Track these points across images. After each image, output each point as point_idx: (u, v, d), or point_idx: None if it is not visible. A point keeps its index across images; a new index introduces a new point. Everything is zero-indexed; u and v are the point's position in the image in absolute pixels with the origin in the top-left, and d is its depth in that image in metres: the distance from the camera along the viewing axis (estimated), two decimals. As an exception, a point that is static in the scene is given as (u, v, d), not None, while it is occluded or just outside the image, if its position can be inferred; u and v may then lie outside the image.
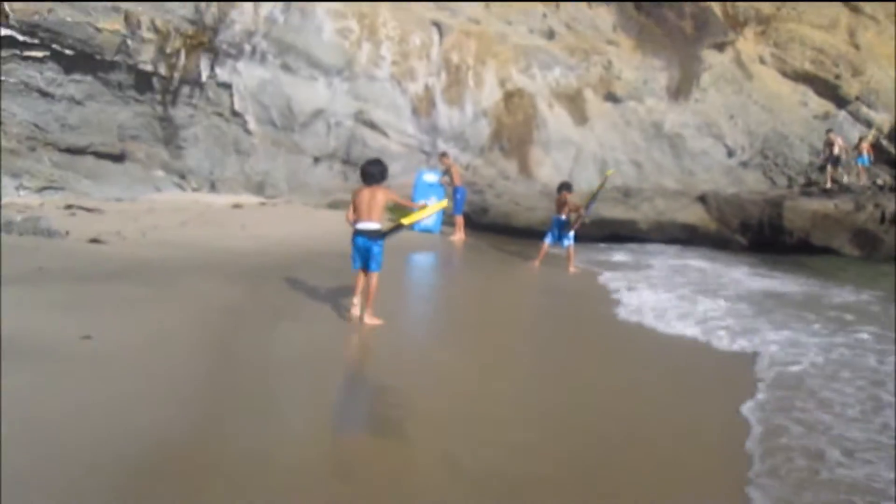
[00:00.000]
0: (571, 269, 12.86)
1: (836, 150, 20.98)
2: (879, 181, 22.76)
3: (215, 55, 17.33)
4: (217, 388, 5.45)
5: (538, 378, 6.49)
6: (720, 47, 22.46)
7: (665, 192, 19.05)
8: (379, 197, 7.04)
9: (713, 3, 22.93)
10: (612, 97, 20.56)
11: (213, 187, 17.40)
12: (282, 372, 5.95)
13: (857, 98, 25.49)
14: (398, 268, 11.39)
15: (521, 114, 19.45)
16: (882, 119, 25.93)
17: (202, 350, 6.32)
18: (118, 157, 16.58)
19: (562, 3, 20.12)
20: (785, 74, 24.81)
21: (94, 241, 10.62)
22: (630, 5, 21.32)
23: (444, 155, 15.82)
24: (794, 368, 6.81)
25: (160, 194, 16.31)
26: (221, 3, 16.97)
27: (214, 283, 8.91)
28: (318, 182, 18.27)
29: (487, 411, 5.38)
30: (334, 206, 17.01)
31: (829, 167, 20.98)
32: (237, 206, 15.59)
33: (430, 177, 15.67)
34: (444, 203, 8.97)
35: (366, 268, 7.08)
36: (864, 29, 26.01)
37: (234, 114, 17.72)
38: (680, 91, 21.26)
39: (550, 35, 20.06)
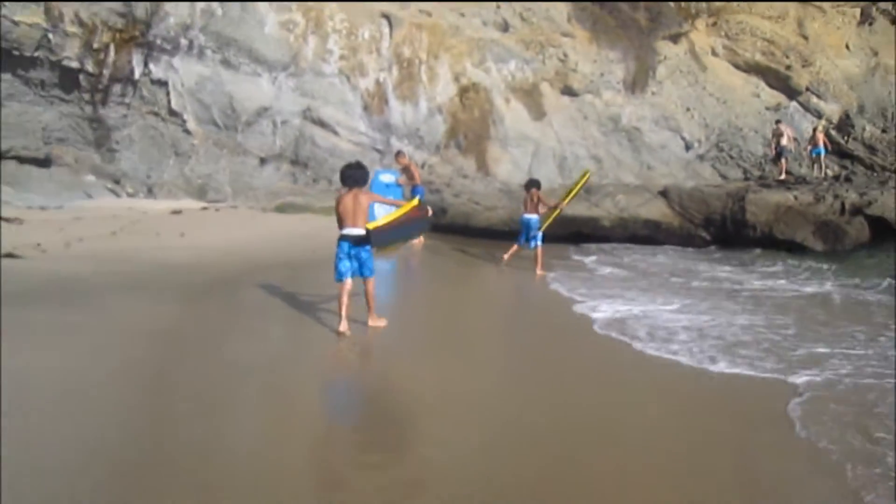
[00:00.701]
0: (539, 272, 11.95)
1: (783, 141, 20.42)
2: (829, 171, 22.59)
3: (149, 50, 15.94)
4: (150, 443, 4.30)
5: (533, 412, 5.43)
6: (674, 39, 21.90)
7: (626, 187, 18.33)
8: (362, 201, 6.78)
9: (665, -5, 22.39)
10: (569, 91, 19.75)
11: (150, 192, 15.99)
12: (232, 413, 4.83)
13: (808, 89, 25.34)
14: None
15: (477, 109, 18.50)
16: (832, 109, 25.87)
17: (130, 391, 5.17)
18: (43, 162, 15.08)
19: (515, -6, 19.18)
20: (737, 66, 24.45)
21: (9, 255, 9.25)
22: (584, -5, 20.54)
23: (400, 154, 14.74)
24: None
25: (91, 201, 14.85)
26: (153, -5, 15.60)
27: (147, 302, 7.70)
28: (265, 184, 17.01)
29: (481, 459, 4.35)
30: (282, 209, 15.83)
31: (782, 159, 20.47)
32: (176, 212, 14.25)
33: (387, 177, 14.58)
34: (416, 200, 7.99)
35: (359, 275, 6.86)
36: (811, 19, 25.86)
37: (172, 113, 16.35)
38: (636, 84, 20.59)
39: (505, 27, 19.15)
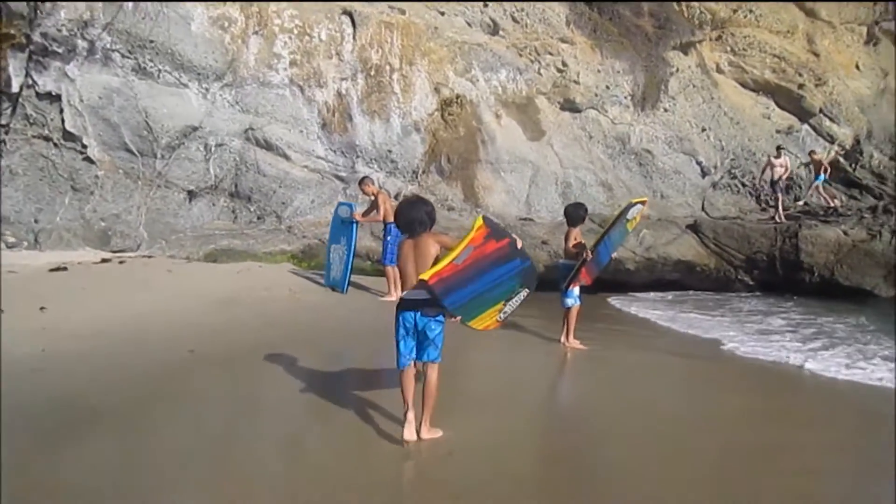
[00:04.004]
0: (568, 343, 7.93)
1: (777, 173, 16.02)
2: (837, 202, 19.35)
3: (33, 55, 11.65)
4: None
5: None
6: (685, 49, 18.32)
7: (647, 221, 14.47)
8: (428, 249, 4.57)
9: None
10: (570, 105, 15.92)
11: (36, 242, 11.56)
12: None
13: (821, 110, 22.02)
14: (322, 362, 6.11)
15: (463, 127, 14.51)
16: (844, 133, 22.59)
17: None
18: None
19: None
20: (744, 85, 21.03)
21: None
22: (580, -1, 16.80)
23: (365, 180, 10.63)
24: None
25: (-58, 256, 10.35)
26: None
27: None
28: (196, 225, 12.71)
29: None
30: (214, 257, 11.56)
31: (778, 193, 15.94)
32: (58, 268, 9.83)
33: (344, 210, 10.53)
34: (480, 221, 4.56)
35: (418, 357, 4.61)
36: (821, 36, 22.68)
37: (67, 136, 12.00)
38: (646, 99, 16.89)
39: (493, 29, 15.29)
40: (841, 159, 22.03)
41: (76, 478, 3.87)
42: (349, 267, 9.97)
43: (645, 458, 4.55)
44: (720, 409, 5.84)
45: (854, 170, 22.38)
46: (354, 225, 10.14)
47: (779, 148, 16.60)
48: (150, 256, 11.30)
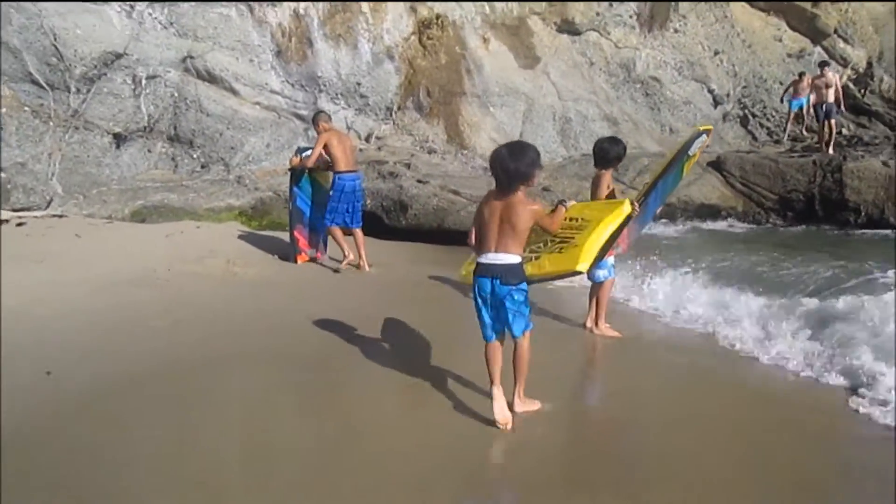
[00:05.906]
0: (598, 329, 5.70)
1: (829, 96, 13.56)
2: (845, 131, 17.13)
3: None
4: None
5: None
6: (695, -40, 15.70)
7: (662, 158, 12.19)
8: (522, 217, 3.67)
9: None
10: (568, 27, 13.39)
11: (-80, 198, 9.06)
12: None
13: (836, 31, 19.62)
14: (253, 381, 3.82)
15: (445, 53, 11.97)
16: (858, 56, 20.25)
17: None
18: None
19: None
20: (754, 4, 18.53)
21: None
22: None
23: (319, 117, 7.78)
24: None
25: None
26: None
27: None
28: (126, 176, 10.23)
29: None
30: (142, 215, 9.17)
31: (832, 119, 13.48)
32: (-71, 236, 7.42)
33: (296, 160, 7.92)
34: (627, 207, 4.14)
35: (502, 330, 3.89)
36: (835, -54, 20.05)
37: (-44, 65, 9.43)
38: (654, 18, 14.37)
39: (478, -65, 12.62)
40: (850, 84, 19.76)
41: None
42: (292, 229, 7.54)
43: None
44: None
45: (863, 96, 20.21)
46: (290, 174, 7.68)
47: (823, 64, 13.95)
48: (60, 216, 8.86)
